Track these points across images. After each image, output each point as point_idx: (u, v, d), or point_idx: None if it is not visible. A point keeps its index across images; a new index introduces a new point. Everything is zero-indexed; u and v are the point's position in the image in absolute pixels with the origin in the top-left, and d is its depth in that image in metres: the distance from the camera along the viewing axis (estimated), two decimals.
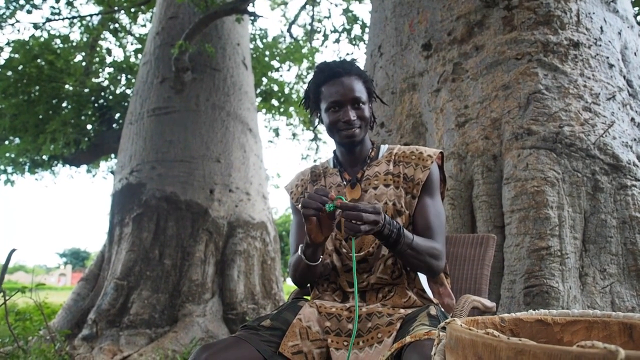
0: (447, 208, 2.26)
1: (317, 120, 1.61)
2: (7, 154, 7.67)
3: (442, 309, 1.36)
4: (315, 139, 12.72)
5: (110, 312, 4.62)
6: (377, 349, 1.29)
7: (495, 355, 0.56)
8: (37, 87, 7.12)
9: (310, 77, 1.59)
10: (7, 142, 7.68)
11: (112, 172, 5.73)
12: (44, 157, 7.63)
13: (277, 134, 12.43)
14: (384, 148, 1.59)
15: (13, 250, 2.14)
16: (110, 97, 7.64)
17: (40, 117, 6.97)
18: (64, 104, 7.32)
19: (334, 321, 1.39)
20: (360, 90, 1.46)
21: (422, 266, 1.36)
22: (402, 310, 1.35)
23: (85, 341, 4.52)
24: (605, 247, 1.92)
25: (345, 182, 1.52)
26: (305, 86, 1.74)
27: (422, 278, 1.47)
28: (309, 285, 1.58)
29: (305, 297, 1.57)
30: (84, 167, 8.42)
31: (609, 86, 2.17)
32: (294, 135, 12.70)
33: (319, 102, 1.50)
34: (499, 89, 2.20)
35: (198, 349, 1.28)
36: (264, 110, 10.69)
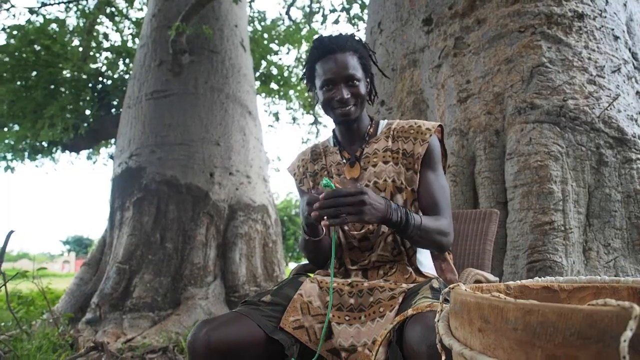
0: (449, 185, 2.23)
1: (316, 98, 1.57)
2: (7, 140, 7.63)
3: (443, 283, 1.34)
4: (316, 122, 12.65)
5: (113, 296, 4.64)
6: (379, 322, 1.28)
7: (502, 317, 0.54)
8: (34, 73, 7.05)
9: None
10: (5, 129, 7.65)
11: (111, 157, 5.68)
12: (44, 143, 7.60)
13: (277, 118, 12.36)
14: (382, 124, 1.56)
15: (11, 232, 2.13)
16: (109, 82, 7.57)
17: (38, 103, 6.91)
18: (62, 89, 7.25)
19: (335, 295, 1.37)
20: (354, 66, 1.40)
21: (432, 245, 1.34)
22: (404, 285, 1.33)
23: (89, 325, 4.55)
24: (610, 221, 1.89)
25: (344, 161, 1.50)
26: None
27: (426, 253, 1.45)
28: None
29: (306, 273, 1.56)
30: (84, 153, 8.39)
31: (614, 59, 2.12)
32: (294, 119, 12.63)
33: (313, 79, 1.46)
34: (502, 62, 2.15)
35: (198, 323, 1.27)
36: (263, 94, 10.61)
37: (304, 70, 1.54)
